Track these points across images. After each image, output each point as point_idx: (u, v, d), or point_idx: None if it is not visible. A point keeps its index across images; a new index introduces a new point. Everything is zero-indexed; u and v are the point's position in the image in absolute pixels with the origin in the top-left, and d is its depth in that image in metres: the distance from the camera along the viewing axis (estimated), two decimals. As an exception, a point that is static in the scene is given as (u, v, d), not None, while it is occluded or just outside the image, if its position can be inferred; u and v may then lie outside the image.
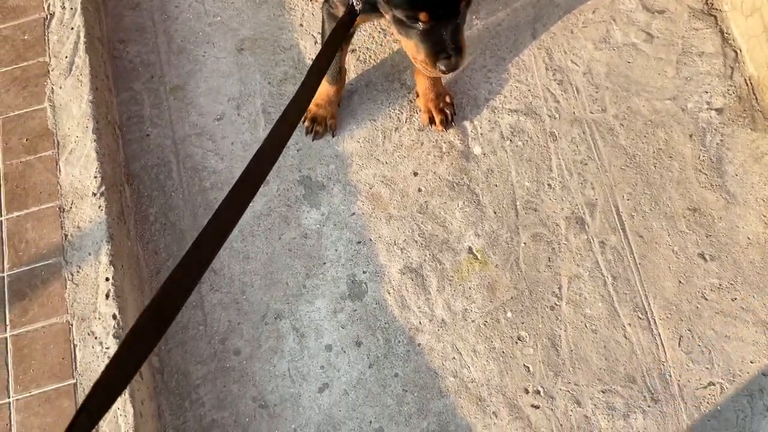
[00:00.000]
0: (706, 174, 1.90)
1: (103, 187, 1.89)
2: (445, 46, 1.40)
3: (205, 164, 2.06)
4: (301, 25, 2.23)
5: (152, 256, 1.97)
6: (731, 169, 1.90)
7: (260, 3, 2.27)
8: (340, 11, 1.73)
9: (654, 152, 1.94)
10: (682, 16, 2.09)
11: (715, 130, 1.94)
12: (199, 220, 1.98)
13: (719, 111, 1.96)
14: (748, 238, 1.83)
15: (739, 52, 2.01)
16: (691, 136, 1.95)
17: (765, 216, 1.84)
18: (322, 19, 1.84)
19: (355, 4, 1.48)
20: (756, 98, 1.95)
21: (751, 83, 1.97)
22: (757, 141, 1.91)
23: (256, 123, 2.11)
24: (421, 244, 1.91)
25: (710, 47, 2.04)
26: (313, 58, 2.15)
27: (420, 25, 1.40)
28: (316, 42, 2.19)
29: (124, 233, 1.93)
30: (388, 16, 1.47)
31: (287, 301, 1.88)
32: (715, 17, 2.07)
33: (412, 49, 1.47)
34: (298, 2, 2.26)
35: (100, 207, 1.87)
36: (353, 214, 1.97)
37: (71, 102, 1.99)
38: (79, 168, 1.91)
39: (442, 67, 1.43)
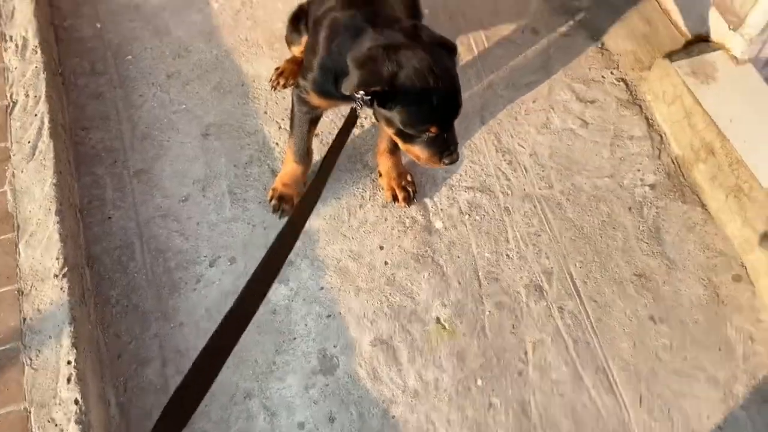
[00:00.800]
0: (647, 242, 2.08)
1: (66, 269, 1.85)
2: (447, 145, 1.61)
3: (169, 245, 2.06)
4: (266, 112, 2.34)
5: (113, 339, 1.91)
6: (668, 238, 2.08)
7: (225, 93, 2.38)
8: (311, 96, 1.85)
9: (599, 224, 2.11)
10: (611, 105, 2.35)
11: (651, 203, 2.14)
12: (163, 301, 1.96)
13: (652, 186, 2.18)
14: (691, 300, 1.98)
15: (663, 135, 2.26)
16: (630, 208, 2.14)
17: (703, 279, 2.01)
18: (292, 102, 1.95)
19: (358, 105, 1.55)
20: (683, 175, 2.18)
21: (677, 162, 2.21)
22: (688, 212, 2.12)
23: (222, 203, 2.15)
24: (390, 315, 1.95)
25: (638, 131, 2.29)
26: (277, 141, 2.25)
27: (426, 136, 1.58)
28: (280, 127, 2.30)
29: (85, 316, 1.87)
30: (390, 131, 1.62)
31: (257, 379, 1.85)
32: (640, 106, 2.34)
33: (417, 152, 1.64)
34: (261, 92, 2.38)
35: (62, 288, 1.82)
36: (322, 288, 2.00)
37: (33, 185, 1.98)
38: (40, 250, 1.87)
39: (447, 162, 1.64)
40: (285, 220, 2.10)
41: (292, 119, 1.99)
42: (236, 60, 2.46)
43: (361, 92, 1.48)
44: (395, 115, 1.53)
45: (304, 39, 2.20)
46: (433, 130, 1.55)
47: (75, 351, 1.73)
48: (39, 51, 2.26)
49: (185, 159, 2.23)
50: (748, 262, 2.00)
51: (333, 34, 1.66)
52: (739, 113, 2.01)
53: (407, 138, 1.61)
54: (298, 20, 2.19)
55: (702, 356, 1.90)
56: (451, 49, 1.58)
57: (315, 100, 1.86)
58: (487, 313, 1.96)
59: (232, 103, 2.36)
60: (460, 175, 2.21)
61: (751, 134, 1.97)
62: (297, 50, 2.27)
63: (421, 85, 1.47)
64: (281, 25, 2.54)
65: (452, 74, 1.53)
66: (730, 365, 1.88)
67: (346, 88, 1.53)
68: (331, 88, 1.74)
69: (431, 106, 1.50)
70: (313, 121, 1.99)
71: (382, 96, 1.49)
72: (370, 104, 1.52)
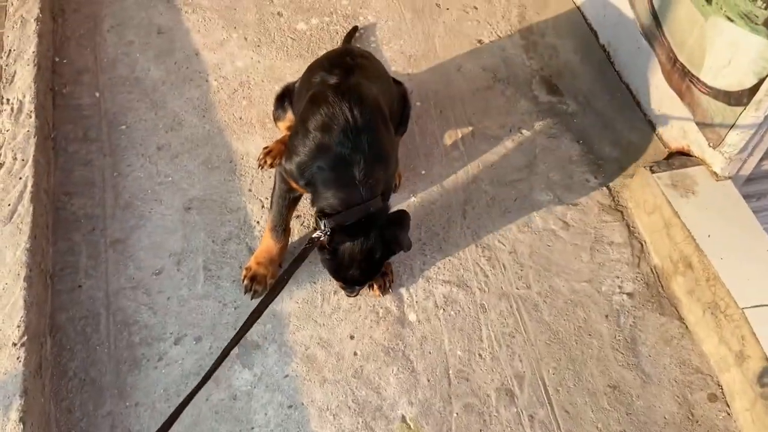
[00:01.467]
0: (622, 353, 2.04)
1: (25, 338, 1.80)
2: (354, 290, 2.00)
3: (136, 318, 2.02)
4: (250, 190, 2.35)
5: (65, 414, 1.83)
6: (645, 350, 2.04)
7: (213, 168, 2.40)
8: (292, 182, 1.87)
9: (575, 329, 2.08)
10: (593, 210, 2.36)
11: (628, 312, 2.12)
12: (122, 377, 1.90)
13: (630, 295, 2.16)
14: (665, 418, 1.92)
15: (644, 243, 2.26)
16: (607, 316, 2.11)
17: (678, 397, 1.96)
18: (275, 179, 1.97)
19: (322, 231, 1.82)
20: (662, 286, 2.17)
21: (656, 272, 2.20)
22: (665, 325, 2.09)
23: (196, 279, 2.12)
24: (355, 410, 1.88)
25: (619, 238, 2.29)
26: (258, 220, 2.25)
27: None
28: (263, 206, 2.30)
29: (38, 388, 1.80)
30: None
31: (209, 470, 1.76)
32: (622, 212, 2.36)
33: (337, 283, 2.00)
34: (248, 170, 2.41)
35: (18, 359, 1.76)
36: (287, 376, 1.94)
37: (6, 249, 1.96)
38: (2, 316, 1.83)
39: (346, 293, 2.05)
40: (256, 300, 2.08)
41: (272, 195, 2.00)
42: (227, 137, 2.50)
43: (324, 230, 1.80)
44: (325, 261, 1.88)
45: (289, 115, 2.25)
46: (340, 284, 2.01)
47: (21, 426, 1.66)
48: (33, 115, 2.30)
49: (164, 231, 2.22)
50: (723, 382, 1.95)
51: (318, 152, 1.78)
52: (717, 229, 2.02)
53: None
54: (283, 98, 2.26)
55: (675, 479, 1.82)
56: (391, 251, 1.89)
57: (295, 185, 1.88)
58: (455, 415, 1.89)
59: (219, 178, 2.37)
60: (438, 268, 2.19)
61: (729, 251, 1.97)
62: (283, 126, 2.31)
63: (344, 263, 1.84)
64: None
65: (374, 264, 1.86)
66: (704, 491, 1.80)
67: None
68: (309, 164, 1.81)
69: (344, 275, 1.88)
70: (294, 200, 2.01)
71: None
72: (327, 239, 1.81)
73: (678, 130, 2.31)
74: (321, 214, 1.81)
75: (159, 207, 2.28)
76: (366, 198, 1.77)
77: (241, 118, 2.57)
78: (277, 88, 2.66)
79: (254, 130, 2.53)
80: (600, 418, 1.91)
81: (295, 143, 1.84)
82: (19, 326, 1.82)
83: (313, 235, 1.82)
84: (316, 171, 1.78)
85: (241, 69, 2.72)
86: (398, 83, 2.28)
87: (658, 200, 2.15)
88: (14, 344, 1.79)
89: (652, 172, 2.19)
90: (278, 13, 2.94)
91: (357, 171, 1.74)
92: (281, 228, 2.03)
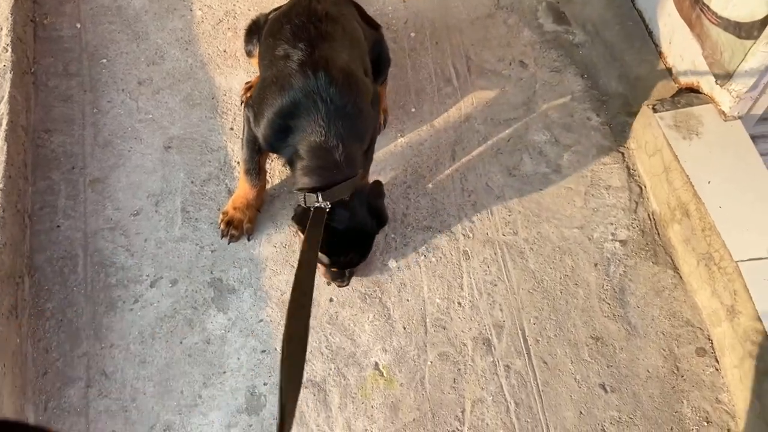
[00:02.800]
0: (609, 304, 1.95)
1: (-2, 279, 1.81)
2: (344, 276, 1.90)
3: (113, 260, 2.01)
4: (232, 128, 2.27)
5: (42, 354, 1.86)
6: (633, 300, 1.95)
7: (194, 105, 2.31)
8: (261, 125, 1.78)
9: (561, 278, 1.99)
10: (591, 151, 2.22)
11: (619, 261, 2.01)
12: (98, 319, 1.90)
13: (623, 243, 2.04)
14: (648, 371, 1.85)
15: (643, 188, 2.12)
16: (596, 265, 2.01)
17: (664, 350, 1.88)
18: (244, 122, 1.88)
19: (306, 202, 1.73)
20: (658, 233, 2.05)
21: (653, 218, 2.07)
22: (658, 275, 1.98)
23: (173, 221, 2.09)
24: (327, 356, 1.87)
25: (617, 181, 2.16)
26: (239, 161, 2.18)
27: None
28: (243, 147, 2.22)
29: (13, 329, 1.82)
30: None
31: (179, 411, 1.78)
32: (623, 154, 2.21)
33: (323, 267, 1.87)
34: (231, 107, 2.31)
35: (-10, 299, 1.78)
36: (261, 320, 1.92)
37: (-21, 189, 1.94)
38: (-24, 257, 1.83)
39: (337, 284, 1.95)
40: (234, 244, 2.04)
41: (242, 137, 1.92)
42: (210, 71, 2.39)
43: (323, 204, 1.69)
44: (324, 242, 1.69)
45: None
46: (334, 269, 1.88)
47: (-6, 366, 1.69)
48: (10, 49, 2.23)
49: (143, 171, 2.17)
50: (714, 336, 1.86)
51: (287, 136, 1.73)
52: (719, 175, 1.87)
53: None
54: (252, 33, 2.15)
55: (652, 434, 1.77)
56: (381, 223, 1.82)
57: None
58: (429, 363, 1.86)
59: (200, 116, 2.29)
60: (422, 213, 2.11)
61: (729, 199, 1.82)
62: (256, 62, 2.20)
63: (336, 242, 1.73)
64: (261, 39, 2.47)
65: (366, 240, 1.80)
66: (681, 448, 1.75)
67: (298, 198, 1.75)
68: (279, 145, 1.75)
69: (336, 256, 1.79)
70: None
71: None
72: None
73: (688, 64, 2.11)
74: (307, 190, 1.72)
75: (138, 146, 2.22)
76: (349, 175, 1.70)
77: (225, 51, 2.45)
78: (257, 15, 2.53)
79: (238, 64, 2.42)
80: (579, 369, 1.85)
81: (262, 112, 1.75)
82: (-8, 267, 1.82)
83: (317, 205, 1.70)
84: (293, 157, 1.73)
85: (227, -3, 2.58)
86: (375, 27, 2.12)
87: (659, 142, 1.99)
88: (-13, 285, 1.80)
89: (655, 111, 2.02)
90: (268, -65, 2.74)
91: (337, 154, 1.68)
92: (255, 172, 1.96)
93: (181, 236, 2.06)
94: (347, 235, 1.72)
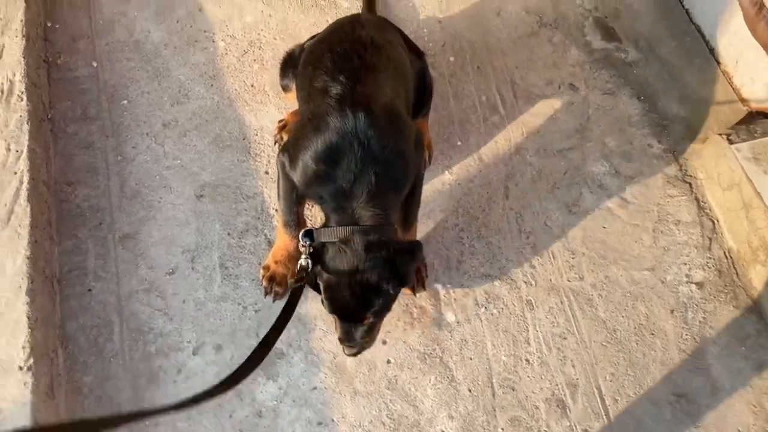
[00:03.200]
0: (690, 355, 1.81)
1: (32, 360, 1.67)
2: (352, 338, 1.61)
3: (151, 325, 1.87)
4: (267, 172, 2.12)
5: (82, 435, 1.72)
6: (716, 350, 1.81)
7: (224, 147, 2.16)
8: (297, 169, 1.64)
9: (635, 328, 1.84)
10: (656, 182, 2.06)
11: (697, 306, 1.87)
12: (139, 394, 1.77)
13: (699, 285, 1.90)
14: (738, 430, 1.71)
15: (716, 222, 1.97)
16: (672, 311, 1.86)
17: (754, 405, 1.74)
18: (278, 171, 1.73)
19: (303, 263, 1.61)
20: (737, 273, 1.90)
21: (730, 256, 1.92)
22: (740, 320, 1.84)
23: (212, 278, 1.94)
24: (390, 426, 1.73)
25: (686, 216, 2.00)
26: (277, 208, 2.03)
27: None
28: (279, 197, 2.07)
29: (52, 410, 1.69)
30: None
31: (235, 495, 1.65)
32: (690, 184, 2.05)
33: (334, 324, 1.68)
34: (264, 148, 2.16)
35: (25, 384, 1.64)
36: (315, 388, 1.78)
37: (5, 258, 1.80)
38: (6, 337, 1.69)
39: (345, 352, 1.67)
40: (278, 302, 1.90)
41: (277, 186, 1.76)
42: (239, 109, 2.24)
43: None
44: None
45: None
46: (333, 318, 1.64)
47: (34, 459, 1.56)
48: (25, 98, 2.07)
49: (176, 223, 2.03)
50: (809, 390, 1.72)
51: (317, 179, 1.58)
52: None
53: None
54: (288, 66, 2.00)
55: (749, 502, 1.63)
56: (400, 283, 1.60)
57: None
58: (500, 430, 1.72)
59: (231, 159, 2.14)
60: (478, 259, 1.96)
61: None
62: (292, 97, 2.05)
63: (338, 294, 1.56)
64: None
65: (375, 293, 1.56)
66: None
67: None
68: (314, 191, 1.62)
69: (340, 308, 1.59)
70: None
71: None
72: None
73: (762, 88, 1.95)
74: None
75: (169, 195, 2.07)
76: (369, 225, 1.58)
77: (253, 86, 2.29)
78: (291, 46, 2.36)
79: (268, 99, 2.26)
80: (663, 431, 1.71)
81: (297, 155, 1.61)
82: (24, 347, 1.68)
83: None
84: (317, 197, 1.62)
85: (250, 25, 2.41)
86: (419, 54, 1.96)
87: (737, 176, 1.84)
88: (20, 368, 1.66)
89: (730, 141, 1.86)
90: (289, -46, 2.57)
91: (356, 204, 1.56)
92: (294, 223, 1.81)
93: (222, 295, 1.92)
94: (344, 283, 1.55)
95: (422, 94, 1.96)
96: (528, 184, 2.07)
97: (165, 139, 2.17)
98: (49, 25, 2.40)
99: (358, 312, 1.57)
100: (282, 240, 1.87)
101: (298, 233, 1.85)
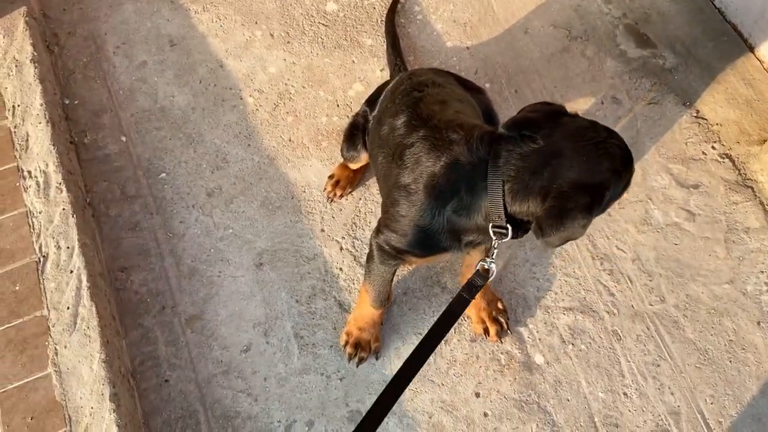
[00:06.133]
0: (785, 365, 1.80)
1: (129, 470, 1.62)
2: None
3: (237, 409, 1.82)
4: (323, 230, 2.06)
5: None
6: (810, 357, 1.80)
7: (274, 209, 2.10)
8: (406, 255, 1.57)
9: (725, 345, 1.83)
10: (718, 190, 2.04)
11: (782, 313, 1.86)
12: (240, 484, 1.72)
13: (781, 292, 1.89)
14: None
15: (785, 225, 1.96)
16: (758, 323, 1.85)
17: None
18: (372, 249, 1.67)
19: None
20: (815, 275, 1.89)
21: (806, 259, 1.92)
22: (829, 324, 1.84)
23: (289, 351, 1.90)
24: (500, 482, 1.71)
25: (754, 222, 1.99)
26: (341, 267, 1.98)
27: None
28: (341, 248, 2.03)
29: None
30: None
31: None
32: (752, 188, 2.04)
33: None
34: (315, 204, 2.11)
35: (127, 498, 1.59)
36: (416, 453, 1.75)
37: (80, 364, 1.74)
38: (98, 449, 1.63)
39: None
40: (363, 367, 1.86)
41: (369, 266, 1.71)
42: (281, 167, 2.18)
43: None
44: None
45: (364, 156, 1.92)
46: None
47: None
48: (64, 189, 2.00)
49: (240, 297, 1.97)
50: None
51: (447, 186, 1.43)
52: None
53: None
54: (354, 135, 1.91)
55: None
56: None
57: (411, 258, 1.59)
58: (611, 470, 1.71)
59: (284, 221, 2.08)
60: (556, 293, 1.93)
61: None
62: (356, 166, 2.00)
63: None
64: (326, 119, 2.25)
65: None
66: None
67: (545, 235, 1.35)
68: (437, 242, 1.49)
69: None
70: (396, 269, 1.72)
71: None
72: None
73: (818, 84, 1.93)
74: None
75: (228, 268, 2.02)
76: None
77: (290, 140, 2.23)
78: (322, 93, 2.31)
79: (309, 153, 2.20)
80: (773, 447, 1.71)
81: (399, 213, 1.51)
82: (119, 458, 1.63)
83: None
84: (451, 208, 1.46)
85: (275, 76, 2.35)
86: (479, 90, 1.91)
87: (806, 179, 1.82)
88: (119, 481, 1.61)
89: (795, 144, 1.84)
90: (302, -4, 2.50)
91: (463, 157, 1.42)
92: (384, 297, 1.77)
93: (303, 367, 1.87)
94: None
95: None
96: (590, 209, 2.04)
97: (212, 209, 2.11)
98: (67, 102, 2.31)
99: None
100: (368, 311, 1.81)
101: (386, 305, 1.78)
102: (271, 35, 2.43)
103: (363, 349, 1.85)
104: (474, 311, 1.86)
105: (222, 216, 2.10)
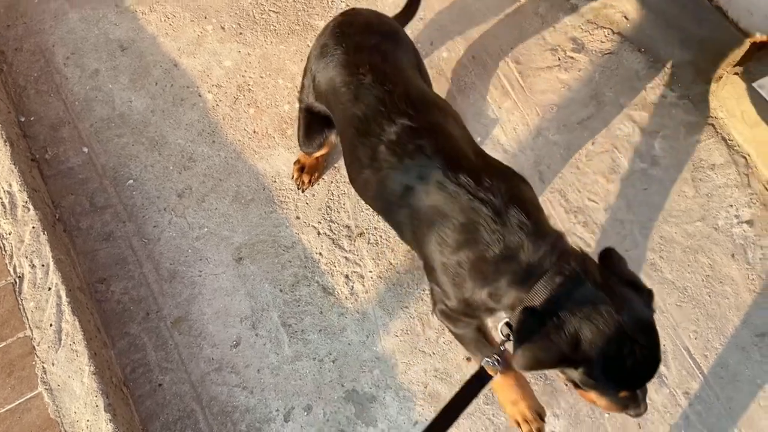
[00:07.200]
0: (760, 293, 1.85)
1: (134, 477, 1.62)
2: (635, 398, 1.30)
3: (234, 403, 1.83)
4: (298, 217, 2.06)
5: None
6: (784, 282, 1.85)
7: (247, 202, 2.09)
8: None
9: (703, 280, 1.88)
10: (680, 131, 2.08)
11: (753, 244, 1.90)
12: (246, 476, 1.74)
13: (750, 223, 1.93)
14: (826, 353, 1.77)
15: (748, 157, 2.00)
16: (733, 255, 1.90)
17: (835, 326, 1.80)
18: (448, 326, 1.60)
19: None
20: (781, 202, 1.94)
21: (771, 188, 1.96)
22: (798, 247, 1.89)
23: (279, 340, 1.90)
24: (499, 440, 1.74)
25: (719, 158, 2.03)
26: (320, 251, 1.99)
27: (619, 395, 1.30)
28: (319, 233, 2.03)
29: None
30: (578, 379, 1.28)
31: None
32: (713, 126, 2.07)
33: (593, 398, 1.33)
34: (287, 193, 2.10)
35: (135, 503, 1.60)
36: (416, 423, 1.78)
37: (70, 379, 1.73)
38: (99, 461, 1.63)
39: (632, 414, 1.34)
40: (353, 347, 1.87)
41: (460, 340, 1.63)
42: (249, 159, 2.16)
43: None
44: (576, 375, 1.25)
45: (326, 145, 1.88)
46: (623, 394, 1.29)
47: None
48: (31, 207, 1.96)
49: (224, 293, 1.97)
50: None
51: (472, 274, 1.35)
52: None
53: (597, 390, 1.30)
54: (309, 130, 1.85)
55: None
56: (647, 294, 1.31)
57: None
58: (606, 416, 1.74)
59: (258, 213, 2.08)
60: (534, 251, 1.95)
61: None
62: (319, 154, 1.98)
63: (612, 353, 1.20)
64: (288, 106, 2.24)
65: (650, 330, 1.24)
66: None
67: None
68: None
69: (623, 373, 1.23)
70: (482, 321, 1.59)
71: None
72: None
73: (762, 18, 1.96)
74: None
75: (208, 266, 2.01)
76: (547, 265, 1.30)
77: (255, 132, 2.22)
78: (281, 80, 2.30)
79: (275, 142, 2.19)
80: (757, 373, 1.76)
81: (443, 279, 1.42)
82: (121, 467, 1.63)
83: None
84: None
85: (232, 69, 2.32)
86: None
87: (763, 111, 1.86)
88: (126, 488, 1.62)
89: (748, 78, 1.87)
90: (249, -15, 2.46)
91: (523, 255, 1.30)
92: (484, 346, 1.59)
93: (294, 355, 1.88)
94: (613, 338, 1.20)
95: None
96: (559, 164, 2.07)
97: (185, 210, 2.09)
98: (23, 120, 2.27)
99: (656, 361, 1.25)
100: (507, 385, 1.61)
101: (495, 350, 1.50)
102: (223, 28, 2.40)
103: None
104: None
105: (195, 215, 2.09)
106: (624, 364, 1.20)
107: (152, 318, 1.95)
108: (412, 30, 2.36)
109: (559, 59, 2.23)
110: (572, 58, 2.23)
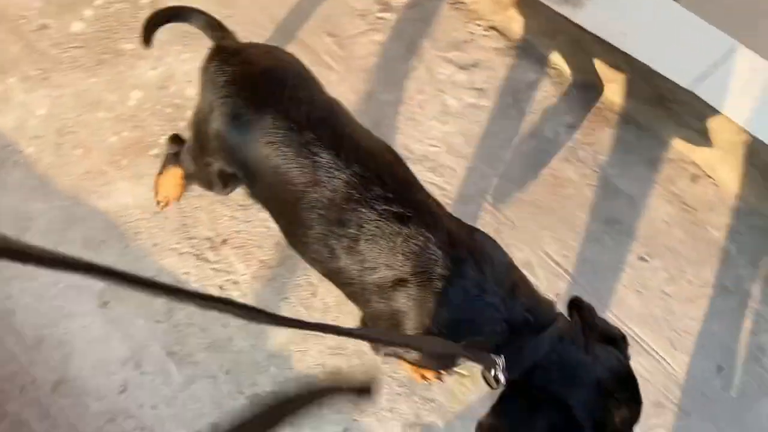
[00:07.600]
0: (597, 185, 1.98)
1: None
2: None
3: (138, 448, 1.76)
4: (155, 244, 2.00)
5: None
6: (614, 171, 2.00)
7: (98, 245, 2.00)
8: None
9: (548, 189, 1.99)
10: (495, 60, 2.18)
11: (581, 143, 2.04)
12: None
13: (572, 126, 2.07)
14: (666, 221, 1.93)
15: (557, 67, 2.14)
16: (567, 159, 2.03)
17: (665, 194, 1.96)
18: None
19: None
20: (595, 98, 2.08)
21: (584, 89, 2.10)
22: (619, 135, 2.04)
23: (167, 370, 1.85)
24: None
25: (532, 74, 2.15)
26: (187, 270, 1.94)
27: None
28: (180, 253, 1.97)
29: None
30: None
31: None
32: (522, 48, 2.19)
33: None
34: (139, 224, 2.03)
35: None
36: (323, 405, 1.78)
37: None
38: None
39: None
40: (244, 354, 1.84)
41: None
42: (89, 201, 2.07)
43: None
44: None
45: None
46: None
47: None
48: None
49: (98, 343, 1.89)
50: (698, 160, 1.95)
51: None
52: (628, 25, 1.90)
53: None
54: (228, 187, 1.63)
55: (703, 272, 1.87)
56: (621, 341, 1.34)
57: None
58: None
59: (113, 252, 1.99)
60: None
61: (649, 41, 1.87)
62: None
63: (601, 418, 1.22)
64: (116, 138, 2.16)
65: (630, 380, 1.29)
66: (731, 267, 1.86)
67: None
68: None
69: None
70: None
71: None
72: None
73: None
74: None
75: (73, 321, 1.91)
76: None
77: (88, 172, 2.12)
78: (102, 113, 2.20)
79: (111, 177, 2.10)
80: (614, 257, 1.89)
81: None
82: None
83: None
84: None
85: (47, 116, 2.20)
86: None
87: (558, 24, 1.98)
88: None
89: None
90: (42, 26, 2.34)
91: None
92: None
93: (186, 380, 1.84)
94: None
95: None
96: (396, 121, 2.12)
97: (34, 272, 1.97)
98: None
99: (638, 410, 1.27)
100: None
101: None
102: (27, 77, 2.27)
103: None
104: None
105: (48, 274, 1.97)
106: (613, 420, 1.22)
107: (28, 390, 1.84)
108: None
109: (370, 23, 2.28)
110: (382, 18, 2.29)
